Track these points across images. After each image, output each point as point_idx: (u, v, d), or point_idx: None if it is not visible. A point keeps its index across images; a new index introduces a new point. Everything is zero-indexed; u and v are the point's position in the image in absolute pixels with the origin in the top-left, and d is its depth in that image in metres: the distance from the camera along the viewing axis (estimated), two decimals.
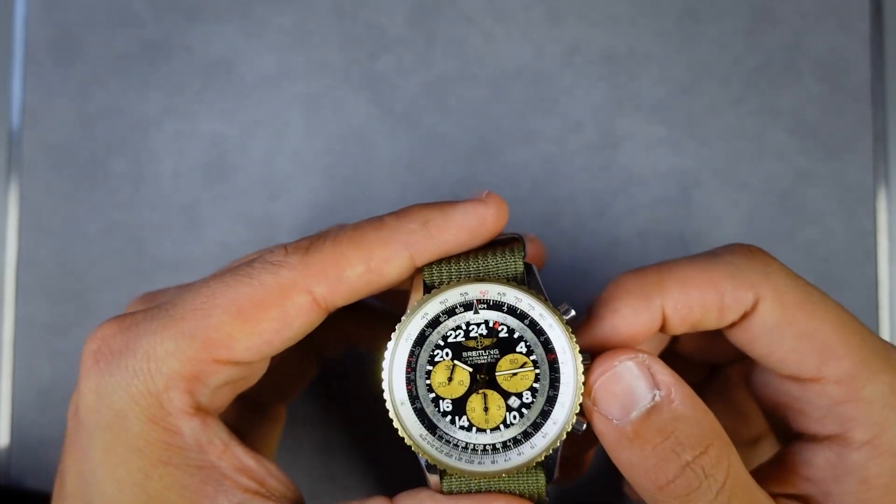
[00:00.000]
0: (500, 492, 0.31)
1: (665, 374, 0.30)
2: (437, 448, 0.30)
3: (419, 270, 0.31)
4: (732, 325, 0.32)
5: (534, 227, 0.46)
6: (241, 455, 0.31)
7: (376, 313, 0.41)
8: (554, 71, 0.46)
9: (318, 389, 0.46)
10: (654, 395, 0.29)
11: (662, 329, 0.32)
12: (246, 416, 0.39)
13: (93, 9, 0.46)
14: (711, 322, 0.32)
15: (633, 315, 0.31)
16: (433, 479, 0.31)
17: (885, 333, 0.46)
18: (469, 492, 0.31)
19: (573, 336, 0.30)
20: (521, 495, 0.31)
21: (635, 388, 0.30)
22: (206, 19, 0.46)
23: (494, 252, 0.31)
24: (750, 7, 0.47)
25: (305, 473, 0.45)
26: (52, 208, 0.46)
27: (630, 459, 0.30)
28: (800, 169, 0.46)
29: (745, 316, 0.31)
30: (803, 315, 0.30)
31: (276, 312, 0.30)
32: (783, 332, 0.31)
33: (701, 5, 0.47)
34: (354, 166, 0.46)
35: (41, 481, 0.45)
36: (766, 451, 0.38)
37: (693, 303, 0.31)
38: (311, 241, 0.31)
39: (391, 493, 0.45)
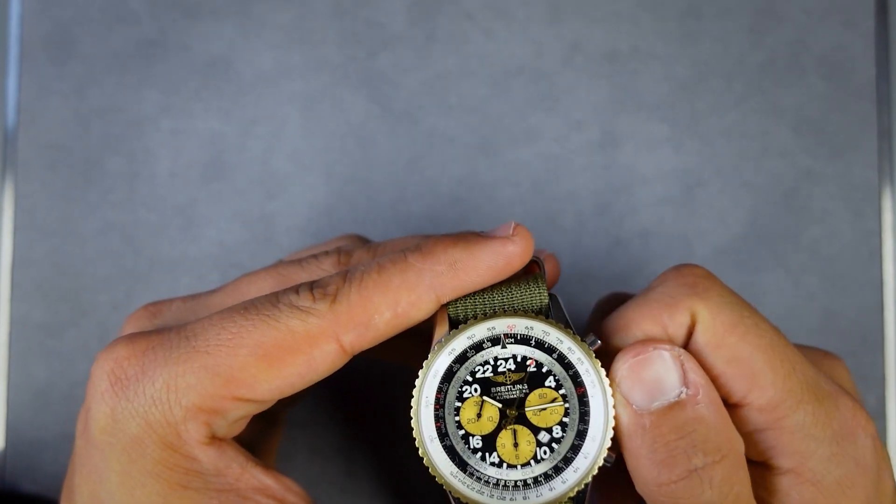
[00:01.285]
0: None
1: (697, 374, 0.30)
2: (468, 485, 0.30)
3: (444, 305, 0.31)
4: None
5: (535, 227, 0.46)
6: (260, 475, 0.31)
7: None
8: (555, 69, 0.46)
9: (315, 392, 0.46)
10: (682, 392, 0.29)
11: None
12: (251, 426, 0.39)
13: (89, 6, 0.46)
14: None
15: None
16: None
17: (891, 334, 0.45)
18: None
19: (602, 369, 0.30)
20: None
21: (664, 379, 0.30)
22: (203, 17, 0.46)
23: (518, 283, 0.31)
24: (753, 4, 0.46)
25: (302, 477, 0.45)
26: (48, 208, 0.45)
27: (639, 449, 0.29)
28: (804, 168, 0.46)
29: (689, 336, 0.31)
30: (734, 339, 0.30)
31: (302, 359, 0.30)
32: (714, 355, 0.30)
33: (704, 3, 0.46)
34: (353, 165, 0.46)
35: (37, 484, 0.45)
36: None
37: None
38: (338, 286, 0.31)
39: (393, 494, 0.45)
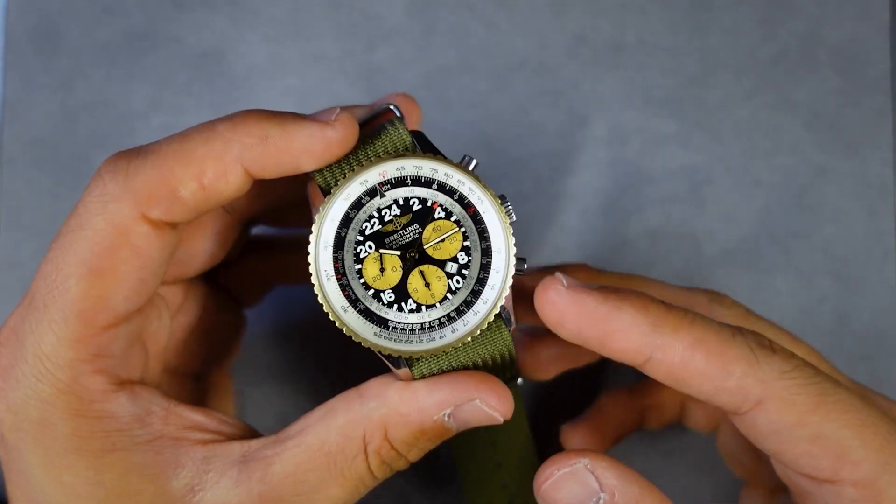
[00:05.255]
0: (474, 368, 0.30)
1: (610, 477, 0.30)
2: (394, 340, 0.30)
3: (311, 177, 0.31)
4: (732, 413, 0.31)
5: (537, 227, 0.45)
6: (187, 413, 0.30)
7: (283, 243, 0.40)
8: (559, 62, 0.46)
9: (314, 395, 0.45)
10: (599, 499, 0.30)
11: (640, 366, 0.30)
12: (188, 392, 0.38)
13: None
14: (698, 392, 0.30)
15: (626, 329, 0.29)
16: (402, 373, 0.31)
17: None
18: (441, 372, 0.30)
19: (483, 182, 0.31)
20: (493, 359, 0.31)
21: (579, 493, 0.30)
22: (194, 7, 0.46)
23: (377, 133, 0.31)
24: None
25: None
26: (34, 206, 0.45)
27: None
28: (817, 164, 0.45)
29: (738, 410, 0.30)
30: (817, 417, 0.29)
31: (126, 253, 0.29)
32: (794, 434, 0.29)
33: None
34: None
35: None
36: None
37: (692, 365, 0.29)
38: (129, 159, 0.29)
39: (395, 494, 0.44)
